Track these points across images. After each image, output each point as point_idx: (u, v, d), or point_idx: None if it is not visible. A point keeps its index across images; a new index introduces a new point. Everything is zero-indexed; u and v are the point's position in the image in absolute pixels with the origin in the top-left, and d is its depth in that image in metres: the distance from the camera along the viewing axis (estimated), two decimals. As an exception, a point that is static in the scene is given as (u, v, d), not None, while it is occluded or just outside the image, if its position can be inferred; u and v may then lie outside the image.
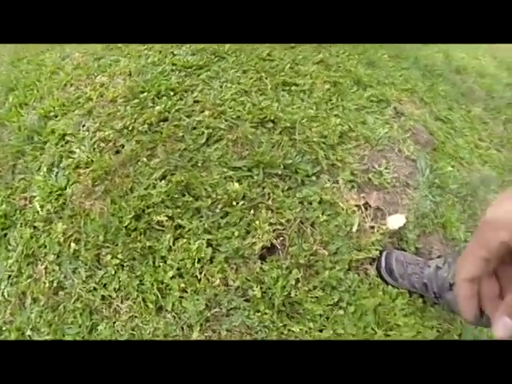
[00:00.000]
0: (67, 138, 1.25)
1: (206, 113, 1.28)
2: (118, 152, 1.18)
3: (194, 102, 1.31)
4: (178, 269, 0.92)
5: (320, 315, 0.89)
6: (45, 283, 0.94)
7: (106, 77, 1.43)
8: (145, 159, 1.14)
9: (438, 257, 1.05)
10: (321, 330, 0.87)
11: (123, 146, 1.18)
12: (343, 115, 1.36)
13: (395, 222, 1.13)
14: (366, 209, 1.16)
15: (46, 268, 0.96)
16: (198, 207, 1.04)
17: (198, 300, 0.87)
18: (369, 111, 1.42)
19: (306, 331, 0.86)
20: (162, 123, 1.22)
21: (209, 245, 0.98)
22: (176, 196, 1.05)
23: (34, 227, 1.05)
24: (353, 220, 1.12)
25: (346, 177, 1.20)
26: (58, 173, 1.16)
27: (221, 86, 1.37)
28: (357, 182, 1.21)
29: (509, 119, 2.00)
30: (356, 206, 1.16)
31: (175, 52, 1.50)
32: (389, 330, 0.92)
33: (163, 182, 1.08)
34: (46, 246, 1.00)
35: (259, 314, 0.87)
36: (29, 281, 0.95)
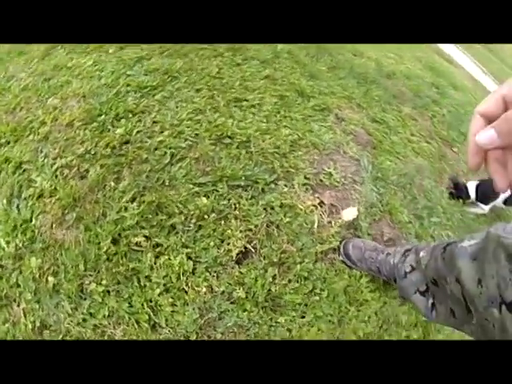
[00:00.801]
0: (24, 166, 1.22)
1: (166, 133, 1.37)
2: (83, 178, 1.20)
3: (153, 122, 1.38)
4: (164, 285, 1.00)
5: (299, 304, 1.04)
6: (26, 325, 0.92)
7: (58, 99, 1.43)
8: (112, 183, 1.19)
9: (388, 241, 1.28)
10: (303, 317, 1.03)
11: (88, 171, 1.21)
12: (292, 125, 1.55)
13: (349, 214, 1.34)
14: (321, 207, 1.35)
15: (23, 308, 0.95)
16: (172, 224, 1.13)
17: (189, 311, 0.96)
18: (314, 119, 1.63)
19: (291, 320, 1.00)
20: (124, 146, 1.28)
21: (189, 258, 1.07)
22: (150, 216, 1.13)
23: (2, 266, 1.03)
24: (312, 218, 1.30)
25: (300, 181, 1.38)
26: (19, 204, 1.13)
27: (176, 106, 1.47)
28: (310, 185, 1.40)
29: (434, 115, 2.39)
30: (313, 205, 1.34)
31: (128, 72, 1.56)
32: (359, 306, 1.11)
33: (134, 203, 1.15)
34: (19, 285, 0.98)
35: (246, 312, 0.99)
36: (7, 325, 0.93)
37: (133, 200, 1.16)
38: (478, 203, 1.84)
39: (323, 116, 1.69)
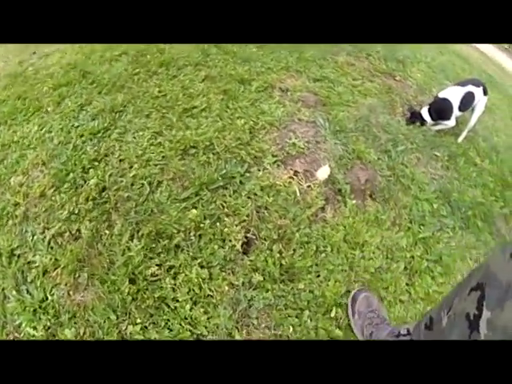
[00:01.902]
0: (17, 251, 1.21)
1: (135, 166, 1.40)
2: (77, 238, 1.22)
3: (120, 161, 1.41)
4: (191, 299, 1.06)
5: (311, 266, 1.14)
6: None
7: (21, 175, 1.42)
8: (107, 231, 1.23)
9: (366, 182, 1.37)
10: (318, 275, 1.13)
11: (79, 231, 1.24)
12: (244, 114, 1.61)
13: (323, 173, 1.43)
14: (297, 176, 1.43)
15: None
16: (176, 244, 1.19)
17: (221, 311, 1.03)
18: (261, 101, 1.69)
19: (309, 282, 1.10)
20: (103, 193, 1.31)
21: (202, 267, 1.14)
22: (153, 245, 1.18)
23: (39, 352, 1.05)
24: (293, 189, 1.38)
25: (270, 161, 1.45)
26: (28, 289, 1.13)
27: (134, 138, 1.50)
28: (280, 160, 1.47)
29: (369, 53, 2.46)
30: (289, 177, 1.42)
31: (76, 124, 1.56)
32: (362, 247, 1.23)
33: (135, 240, 1.19)
34: (62, 359, 1.02)
35: (270, 291, 1.07)
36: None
37: (132, 238, 1.20)
38: (439, 121, 1.97)
39: (268, 94, 1.75)
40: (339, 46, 2.42)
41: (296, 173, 1.41)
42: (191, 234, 1.22)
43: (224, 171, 1.38)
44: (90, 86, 1.83)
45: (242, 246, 1.21)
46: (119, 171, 1.39)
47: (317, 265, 1.16)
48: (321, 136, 1.58)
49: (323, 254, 1.18)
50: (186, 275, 1.11)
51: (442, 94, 1.94)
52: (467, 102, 1.94)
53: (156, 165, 1.40)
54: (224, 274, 1.13)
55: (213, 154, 1.45)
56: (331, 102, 1.84)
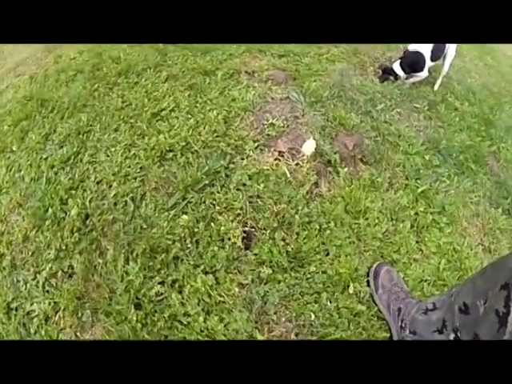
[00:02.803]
0: (13, 304, 1.10)
1: (114, 184, 1.28)
2: (71, 275, 1.11)
3: (97, 183, 1.28)
4: (203, 309, 0.96)
5: (318, 246, 1.04)
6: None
7: (-1, 223, 1.30)
8: (100, 260, 1.12)
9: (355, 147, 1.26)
10: (327, 254, 1.03)
11: (72, 267, 1.12)
12: (215, 105, 1.48)
13: (309, 147, 1.32)
14: (283, 156, 1.32)
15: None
16: (174, 256, 1.08)
17: (237, 315, 0.94)
18: (230, 88, 1.56)
19: (320, 263, 1.01)
20: (87, 221, 1.19)
21: (206, 273, 1.04)
22: (151, 263, 1.07)
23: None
24: (281, 170, 1.27)
25: (251, 147, 1.33)
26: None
27: (107, 155, 1.37)
28: (262, 144, 1.35)
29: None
30: (275, 159, 1.30)
31: (44, 156, 1.42)
32: (365, 215, 1.14)
33: (131, 263, 1.08)
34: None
35: (282, 282, 0.98)
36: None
37: (127, 261, 1.09)
38: (412, 74, 1.87)
39: (236, 80, 1.62)
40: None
41: (281, 153, 1.30)
42: (187, 241, 1.11)
43: (207, 168, 1.26)
44: (51, 113, 1.67)
45: (242, 241, 1.11)
46: (99, 194, 1.26)
47: (324, 243, 1.06)
48: (298, 110, 1.47)
49: (328, 231, 1.09)
50: (191, 286, 1.01)
51: (412, 47, 1.83)
52: (438, 51, 1.85)
53: (135, 178, 1.28)
54: (230, 275, 1.03)
55: (191, 153, 1.33)
56: (301, 74, 1.72)
